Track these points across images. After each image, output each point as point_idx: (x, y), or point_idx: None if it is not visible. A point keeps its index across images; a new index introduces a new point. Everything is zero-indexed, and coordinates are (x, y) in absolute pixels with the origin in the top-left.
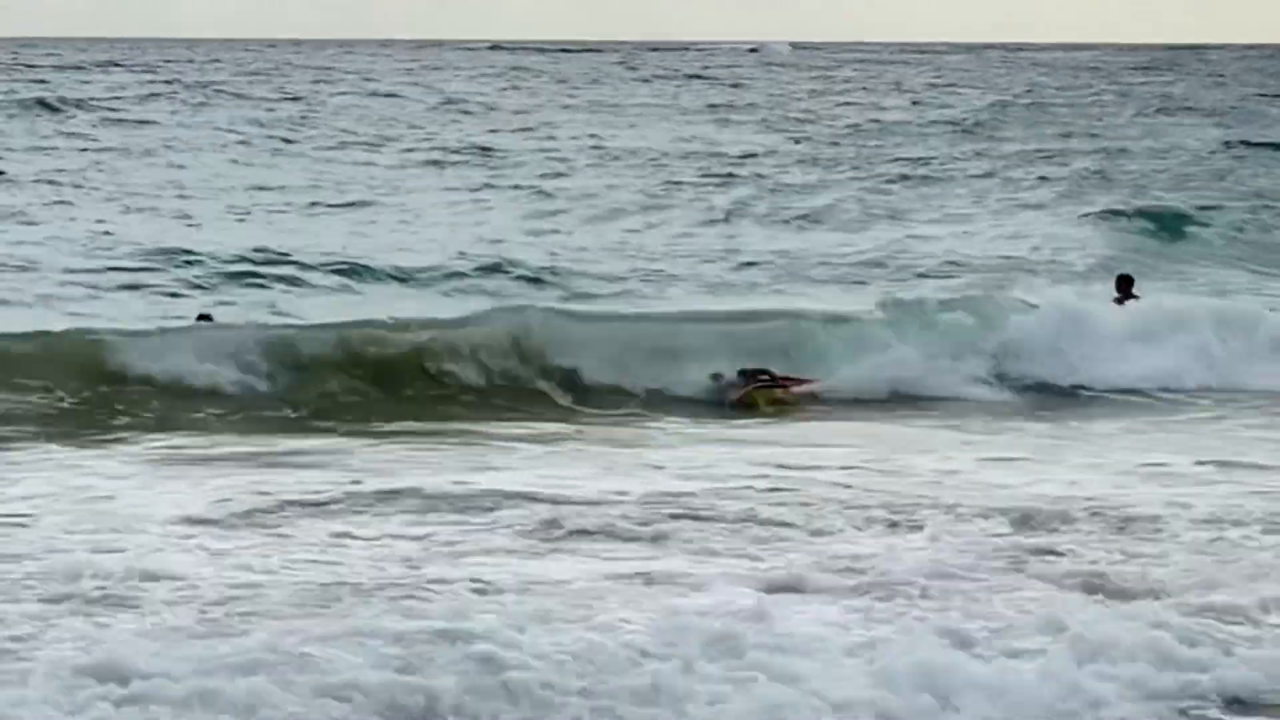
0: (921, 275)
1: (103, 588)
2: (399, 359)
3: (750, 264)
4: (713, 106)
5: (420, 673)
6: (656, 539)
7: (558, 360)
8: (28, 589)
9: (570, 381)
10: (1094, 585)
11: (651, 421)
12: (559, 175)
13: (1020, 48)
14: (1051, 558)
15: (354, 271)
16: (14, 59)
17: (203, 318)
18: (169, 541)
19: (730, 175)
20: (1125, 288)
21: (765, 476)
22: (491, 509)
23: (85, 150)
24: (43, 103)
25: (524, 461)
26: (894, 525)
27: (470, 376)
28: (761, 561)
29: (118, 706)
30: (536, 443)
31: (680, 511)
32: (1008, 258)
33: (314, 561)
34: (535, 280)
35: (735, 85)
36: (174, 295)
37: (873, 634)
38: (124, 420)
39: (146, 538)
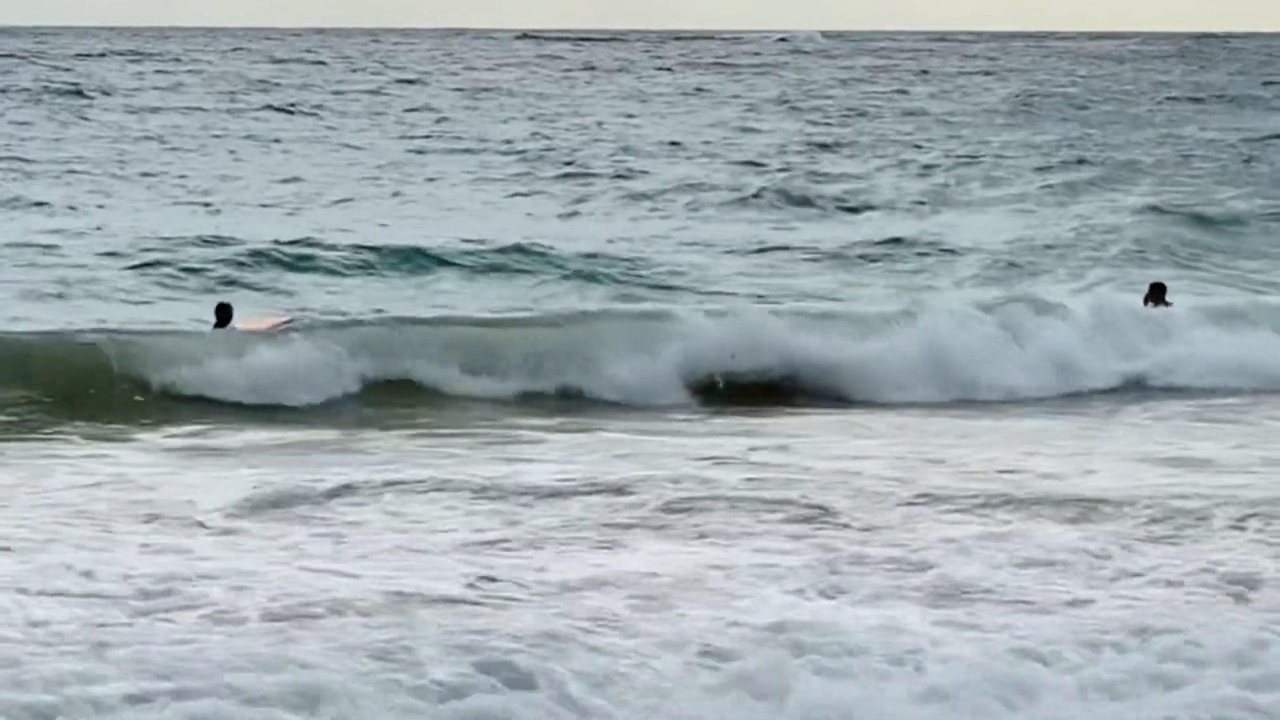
0: (950, 251)
1: (166, 587)
2: (418, 354)
3: (781, 249)
4: (738, 96)
5: (522, 674)
6: (710, 532)
7: (578, 355)
8: (84, 589)
9: (590, 375)
10: (1177, 583)
11: (677, 414)
12: (588, 162)
13: (1046, 36)
14: (1124, 554)
15: (380, 258)
16: (38, 47)
17: (221, 308)
18: (220, 537)
19: (761, 163)
20: (1159, 295)
21: (805, 468)
22: (535, 501)
23: (109, 138)
24: (66, 91)
25: (558, 453)
26: (949, 521)
27: (493, 371)
28: (824, 555)
29: (201, 710)
30: (564, 433)
31: (726, 504)
32: (1037, 244)
33: (375, 554)
34: (564, 268)
35: (763, 73)
36: (194, 271)
37: (954, 643)
38: (148, 412)
39: (195, 531)
